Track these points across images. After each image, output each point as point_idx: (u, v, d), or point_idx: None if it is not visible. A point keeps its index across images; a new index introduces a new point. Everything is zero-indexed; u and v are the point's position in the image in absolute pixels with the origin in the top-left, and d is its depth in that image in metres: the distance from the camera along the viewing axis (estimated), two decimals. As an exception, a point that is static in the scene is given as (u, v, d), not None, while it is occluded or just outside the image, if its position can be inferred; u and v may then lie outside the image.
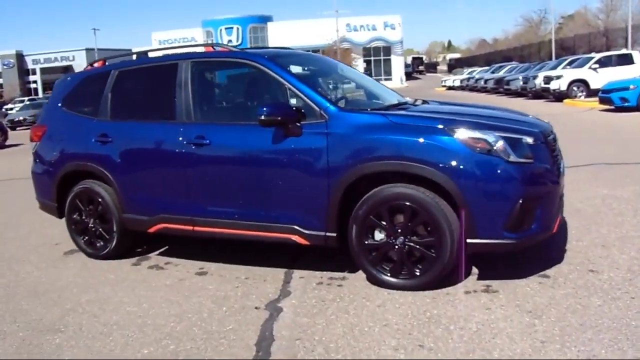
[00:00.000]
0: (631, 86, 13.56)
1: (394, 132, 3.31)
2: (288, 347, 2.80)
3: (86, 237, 4.58)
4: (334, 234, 3.48)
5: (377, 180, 3.38)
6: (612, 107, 14.01)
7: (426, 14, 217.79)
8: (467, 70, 40.07)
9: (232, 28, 51.73)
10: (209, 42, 47.37)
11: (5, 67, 59.73)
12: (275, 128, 3.51)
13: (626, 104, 13.47)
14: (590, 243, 4.08)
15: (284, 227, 3.59)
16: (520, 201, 3.20)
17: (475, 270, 3.65)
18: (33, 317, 3.45)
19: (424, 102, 4.32)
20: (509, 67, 29.69)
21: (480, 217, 3.20)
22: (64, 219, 4.78)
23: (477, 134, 3.22)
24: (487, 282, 3.46)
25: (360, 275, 3.66)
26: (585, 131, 10.69)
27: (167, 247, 4.73)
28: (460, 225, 3.23)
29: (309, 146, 3.46)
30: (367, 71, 44.57)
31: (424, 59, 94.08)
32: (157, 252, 4.63)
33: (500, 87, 25.98)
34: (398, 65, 52.53)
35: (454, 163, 3.18)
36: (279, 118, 3.43)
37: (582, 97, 18.20)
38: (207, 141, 3.78)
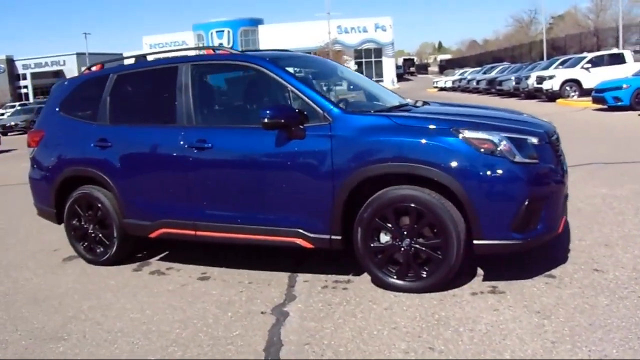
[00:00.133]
0: (624, 85, 13.68)
1: (398, 133, 3.29)
2: (297, 352, 2.77)
3: (86, 243, 4.52)
4: (339, 237, 3.46)
5: (382, 182, 3.36)
6: (606, 107, 14.12)
7: (416, 16, 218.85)
8: (458, 71, 40.22)
9: (223, 31, 51.71)
10: (201, 45, 47.35)
11: (-5, 72, 59.30)
12: (278, 131, 3.49)
13: (619, 103, 13.58)
14: (593, 242, 4.08)
15: (288, 230, 3.56)
16: (527, 202, 3.20)
17: (480, 271, 3.64)
18: (35, 325, 3.40)
19: (425, 103, 4.31)
20: (501, 67, 29.84)
21: (487, 218, 3.19)
22: (61, 225, 4.72)
23: (482, 135, 3.21)
24: (493, 283, 3.45)
25: (365, 278, 3.63)
26: (579, 131, 10.74)
27: (167, 252, 4.68)
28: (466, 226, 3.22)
29: (312, 149, 3.44)
30: (359, 73, 44.58)
31: (415, 60, 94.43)
32: (158, 257, 4.58)
33: (493, 88, 26.11)
34: (389, 66, 52.67)
35: (460, 164, 3.17)
36: (282, 121, 3.40)
37: (575, 97, 18.33)
38: (209, 145, 3.74)
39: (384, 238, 3.39)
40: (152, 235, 4.12)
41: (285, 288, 3.64)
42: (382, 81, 46.82)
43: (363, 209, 3.37)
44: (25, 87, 61.01)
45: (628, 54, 18.52)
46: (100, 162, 4.26)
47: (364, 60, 51.64)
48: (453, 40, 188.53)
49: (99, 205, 4.35)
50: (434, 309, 3.14)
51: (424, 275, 3.33)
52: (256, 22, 53.64)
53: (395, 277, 3.38)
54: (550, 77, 19.12)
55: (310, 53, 7.73)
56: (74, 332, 3.25)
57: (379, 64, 51.97)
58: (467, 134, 3.22)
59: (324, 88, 4.85)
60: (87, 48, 57.23)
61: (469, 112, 3.94)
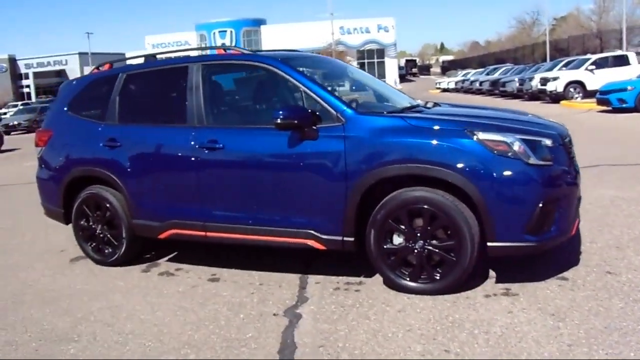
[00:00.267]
0: (629, 87, 13.64)
1: (413, 135, 3.27)
2: (312, 354, 2.75)
3: (94, 244, 4.50)
4: (352, 239, 3.43)
5: (395, 183, 3.34)
6: (610, 108, 14.08)
7: (418, 17, 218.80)
8: (461, 73, 40.16)
9: (225, 31, 51.70)
10: (203, 45, 47.36)
11: (-3, 71, 59.34)
12: (291, 131, 3.46)
13: (624, 105, 13.54)
14: (604, 245, 4.06)
15: (300, 231, 3.54)
16: (541, 204, 3.18)
17: (492, 273, 3.62)
18: (44, 327, 3.38)
19: (436, 104, 4.29)
20: (504, 68, 29.79)
21: (501, 220, 3.17)
22: (68, 225, 4.71)
23: (497, 137, 3.19)
24: (506, 285, 3.43)
25: (377, 279, 3.61)
26: (584, 132, 10.70)
27: (176, 252, 4.66)
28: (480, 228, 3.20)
29: (325, 150, 3.42)
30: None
31: (417, 61, 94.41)
32: (166, 258, 4.56)
33: (496, 89, 26.06)
34: (392, 67, 52.64)
35: (474, 166, 3.15)
36: (295, 121, 3.38)
37: (579, 99, 18.29)
38: (220, 145, 3.72)
39: (397, 240, 3.37)
40: (162, 236, 4.09)
41: (297, 290, 3.61)
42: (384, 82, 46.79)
43: (376, 211, 3.34)
44: (28, 86, 61.01)
45: (632, 56, 18.47)
46: (109, 162, 4.24)
47: (366, 61, 51.59)
48: (455, 42, 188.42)
49: (108, 205, 4.33)
50: (448, 311, 3.12)
51: (437, 277, 3.31)
52: (259, 22, 53.64)
53: (408, 279, 3.36)
54: (554, 79, 19.08)
55: (314, 53, 7.71)
56: (84, 333, 3.23)
57: (381, 64, 51.93)
58: (482, 135, 3.20)
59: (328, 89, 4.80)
60: (89, 48, 57.17)
61: (481, 114, 3.92)
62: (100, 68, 4.73)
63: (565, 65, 20.43)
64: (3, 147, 17.63)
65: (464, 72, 39.50)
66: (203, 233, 3.88)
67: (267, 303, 3.43)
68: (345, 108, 3.45)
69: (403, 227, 3.32)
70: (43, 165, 4.78)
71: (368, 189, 3.33)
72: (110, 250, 4.42)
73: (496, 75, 28.26)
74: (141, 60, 4.57)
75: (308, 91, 3.58)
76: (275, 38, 47.88)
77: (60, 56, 61.25)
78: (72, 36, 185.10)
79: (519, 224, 3.18)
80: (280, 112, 3.39)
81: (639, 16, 35.50)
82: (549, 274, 3.53)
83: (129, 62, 4.83)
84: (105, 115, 4.38)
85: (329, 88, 3.67)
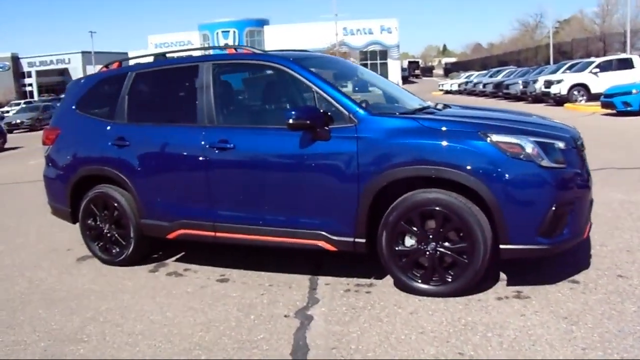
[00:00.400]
0: (634, 90, 13.58)
1: (427, 136, 3.25)
2: (325, 355, 2.73)
3: (101, 243, 4.48)
4: (363, 240, 3.41)
5: (407, 185, 3.32)
6: (614, 112, 14.03)
7: (421, 18, 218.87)
8: (464, 74, 40.12)
9: (228, 31, 51.70)
10: (206, 45, 47.35)
11: (0, 69, 59.36)
12: (302, 132, 3.44)
13: (629, 109, 13.48)
14: (615, 248, 4.04)
15: (311, 233, 3.52)
16: (554, 206, 3.16)
17: (503, 275, 3.60)
18: (53, 327, 3.36)
19: (446, 106, 4.27)
20: (507, 71, 29.75)
21: (514, 223, 3.15)
22: (72, 224, 4.69)
23: (511, 139, 3.17)
24: (517, 288, 3.41)
25: (388, 281, 3.59)
26: (590, 135, 10.59)
27: (183, 253, 4.64)
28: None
29: (338, 150, 3.40)
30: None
31: (419, 63, 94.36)
32: (174, 258, 4.54)
33: (500, 91, 25.99)
34: (395, 69, 52.61)
35: (488, 168, 3.13)
36: (308, 122, 3.36)
37: (583, 102, 18.25)
38: (231, 145, 3.70)
39: (409, 242, 3.35)
40: (170, 236, 4.07)
41: (307, 291, 3.59)
42: (386, 83, 46.73)
43: (388, 212, 3.32)
44: (30, 85, 61.03)
45: (636, 59, 18.42)
46: (118, 161, 4.22)
47: (369, 62, 51.55)
48: (458, 44, 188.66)
49: (116, 204, 4.31)
50: (460, 313, 3.10)
51: (449, 280, 3.29)
52: (262, 22, 53.65)
53: (419, 281, 3.34)
54: (558, 82, 19.04)
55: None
56: (94, 333, 3.21)
57: (384, 66, 51.90)
58: (495, 137, 3.18)
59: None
60: (93, 46, 57.21)
61: (494, 116, 3.89)
62: (109, 66, 4.71)
63: (569, 68, 20.40)
64: (6, 146, 17.65)
65: (467, 74, 39.45)
66: (213, 233, 3.86)
67: (277, 304, 3.41)
68: (357, 109, 3.43)
69: (415, 228, 3.30)
70: (50, 164, 4.76)
71: (380, 190, 3.31)
72: (117, 250, 4.40)
73: (499, 78, 28.21)
74: (147, 60, 4.55)
75: (320, 91, 3.56)
76: (278, 38, 47.88)
77: (63, 55, 61.28)
78: (75, 35, 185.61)
79: (532, 227, 3.16)
80: (293, 113, 3.37)
81: (643, 19, 35.45)
82: (560, 277, 3.51)
83: (132, 61, 4.81)
84: (114, 114, 4.36)
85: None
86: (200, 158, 3.81)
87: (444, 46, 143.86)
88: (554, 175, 3.19)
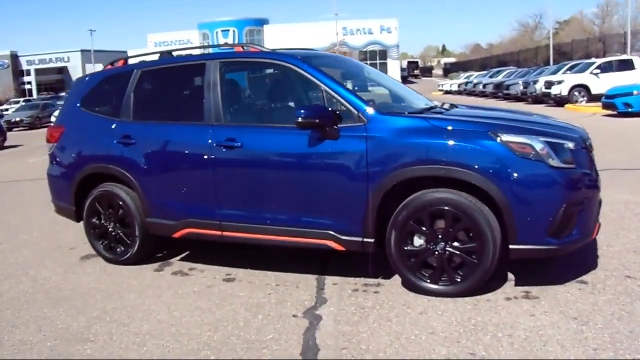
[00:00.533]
0: (635, 92, 13.60)
1: (437, 136, 3.24)
2: (335, 356, 2.71)
3: (105, 242, 4.45)
4: (372, 240, 3.40)
5: (416, 184, 3.30)
6: (615, 113, 14.04)
7: (420, 18, 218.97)
8: (463, 75, 40.13)
9: (228, 30, 51.65)
10: (205, 44, 47.27)
11: (-1, 67, 59.26)
12: (311, 131, 3.42)
13: (630, 110, 13.49)
14: (621, 249, 4.03)
15: (319, 232, 3.50)
16: (564, 206, 3.15)
17: (511, 276, 3.59)
18: (59, 326, 3.33)
19: (453, 106, 4.25)
20: (507, 71, 29.74)
21: (523, 223, 3.14)
22: (76, 222, 4.66)
23: (521, 139, 3.16)
24: (526, 288, 3.40)
25: (395, 281, 3.58)
26: (592, 136, 10.67)
27: (188, 252, 4.61)
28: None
29: (347, 150, 3.38)
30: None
31: (418, 63, 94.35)
32: (179, 257, 4.52)
33: (500, 92, 25.99)
34: (394, 69, 52.58)
35: (498, 168, 3.12)
36: (317, 120, 3.34)
37: (583, 102, 18.26)
38: (239, 144, 3.68)
39: (418, 241, 3.33)
40: (176, 235, 4.05)
41: (315, 291, 3.57)
42: (386, 83, 46.73)
43: (397, 212, 3.31)
44: (29, 83, 60.88)
45: (637, 60, 18.43)
46: (123, 159, 4.19)
47: (369, 62, 51.37)
48: (457, 44, 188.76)
49: (121, 203, 4.28)
50: (470, 313, 3.09)
51: (458, 280, 3.28)
52: (262, 22, 53.61)
53: (428, 280, 3.33)
54: (559, 82, 19.05)
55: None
56: (100, 333, 3.18)
57: (383, 65, 51.85)
58: (505, 137, 3.17)
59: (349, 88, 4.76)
60: (92, 45, 57.05)
61: (502, 116, 3.87)
62: (114, 64, 4.69)
63: (570, 68, 20.41)
64: (6, 144, 17.59)
65: (467, 74, 39.46)
66: (219, 232, 3.84)
67: (285, 304, 3.39)
68: (367, 108, 3.42)
69: (424, 228, 3.29)
70: (54, 162, 4.73)
71: (390, 189, 3.29)
72: (122, 248, 4.38)
73: (499, 78, 28.21)
74: (152, 57, 4.52)
75: (329, 90, 3.54)
76: (278, 38, 47.82)
77: (62, 53, 61.14)
78: (75, 33, 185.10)
79: (542, 227, 3.15)
80: (302, 111, 3.35)
81: (642, 21, 35.51)
82: (568, 277, 3.50)
83: (136, 59, 4.79)
84: (120, 112, 4.33)
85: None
86: (208, 156, 3.78)
87: (443, 46, 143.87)
88: (563, 176, 3.18)
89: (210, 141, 3.78)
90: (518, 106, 20.30)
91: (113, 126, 4.31)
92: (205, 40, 51.00)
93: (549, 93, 19.42)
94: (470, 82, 32.93)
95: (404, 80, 58.56)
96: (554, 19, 48.12)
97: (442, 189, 3.23)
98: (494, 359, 2.61)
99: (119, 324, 3.29)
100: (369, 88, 4.79)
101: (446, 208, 3.21)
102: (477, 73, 37.46)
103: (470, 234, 3.22)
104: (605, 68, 18.50)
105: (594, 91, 17.92)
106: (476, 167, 3.13)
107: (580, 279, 3.50)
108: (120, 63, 4.64)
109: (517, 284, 3.47)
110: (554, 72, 21.13)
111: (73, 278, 4.21)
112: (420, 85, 55.92)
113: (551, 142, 3.22)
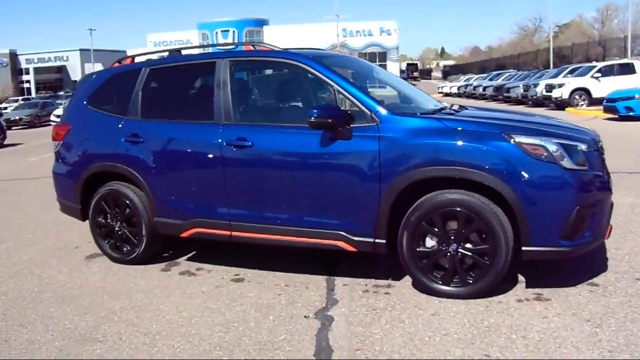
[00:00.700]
0: (636, 95, 13.62)
1: (450, 137, 3.22)
2: (350, 357, 2.69)
3: (111, 241, 4.42)
4: (383, 241, 3.38)
5: (428, 185, 3.28)
6: (617, 116, 14.06)
7: (419, 21, 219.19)
8: (462, 77, 40.18)
9: (228, 31, 51.60)
10: (205, 44, 47.20)
11: (-2, 66, 59.12)
12: (323, 131, 3.40)
13: (631, 113, 13.51)
14: (630, 251, 4.02)
15: (330, 233, 3.48)
16: (577, 208, 3.13)
17: (521, 278, 3.57)
18: (66, 326, 3.30)
19: (462, 107, 4.23)
20: (508, 74, 29.78)
21: (537, 224, 3.13)
22: (82, 222, 4.62)
23: (535, 140, 3.15)
24: (537, 290, 3.39)
25: (406, 282, 3.56)
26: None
27: (194, 252, 4.58)
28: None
29: (359, 150, 3.35)
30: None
31: (418, 65, 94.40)
32: (186, 257, 4.48)
33: (500, 95, 25.99)
34: (393, 71, 52.46)
35: (511, 169, 3.10)
36: (329, 120, 3.32)
37: (584, 106, 18.28)
38: (249, 143, 3.65)
39: (430, 242, 3.31)
40: (184, 234, 4.02)
41: (325, 292, 3.55)
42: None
43: (410, 213, 3.29)
44: (28, 81, 60.76)
45: (638, 64, 18.47)
46: (131, 157, 4.16)
47: (368, 63, 51.60)
48: (456, 46, 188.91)
49: (128, 202, 4.25)
50: (482, 315, 3.07)
51: (470, 281, 3.26)
52: (261, 22, 53.59)
53: (440, 282, 3.31)
54: (560, 86, 19.07)
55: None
56: (109, 333, 3.15)
57: (383, 67, 51.64)
58: (519, 138, 3.15)
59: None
60: (92, 44, 56.93)
61: (513, 117, 3.86)
62: (122, 62, 4.66)
63: (571, 72, 20.43)
64: (6, 142, 17.51)
65: (466, 77, 39.52)
66: (228, 232, 3.81)
67: (295, 305, 3.37)
68: (380, 108, 3.40)
69: (436, 229, 3.27)
70: (60, 160, 4.69)
71: (402, 190, 3.27)
72: (128, 248, 4.35)
73: (500, 81, 28.25)
74: (161, 56, 4.49)
75: (342, 90, 3.52)
76: (277, 39, 47.61)
77: (61, 52, 61.06)
78: (74, 32, 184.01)
79: (555, 229, 3.14)
80: (315, 111, 3.32)
81: (642, 24, 35.63)
82: (579, 280, 3.49)
83: (143, 57, 4.76)
84: (127, 110, 4.29)
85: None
86: (217, 156, 3.75)
87: (442, 49, 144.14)
88: (576, 177, 3.17)
89: (220, 140, 3.75)
90: (519, 109, 20.32)
91: (120, 124, 4.27)
92: (204, 41, 50.90)
93: (550, 96, 19.43)
94: (470, 84, 32.98)
95: (404, 82, 58.45)
96: (553, 23, 48.27)
97: (455, 190, 3.21)
98: (509, 361, 2.60)
99: (127, 324, 3.27)
100: (378, 88, 4.78)
101: (459, 209, 3.19)
102: (476, 76, 37.52)
103: (483, 236, 3.20)
104: (606, 72, 18.53)
105: (594, 95, 17.95)
106: (490, 168, 3.11)
107: (590, 281, 3.48)
108: (127, 61, 4.61)
109: (528, 285, 3.46)
110: (555, 76, 21.14)
111: (79, 277, 4.18)
112: (419, 88, 56.01)
113: (564, 143, 3.21)
